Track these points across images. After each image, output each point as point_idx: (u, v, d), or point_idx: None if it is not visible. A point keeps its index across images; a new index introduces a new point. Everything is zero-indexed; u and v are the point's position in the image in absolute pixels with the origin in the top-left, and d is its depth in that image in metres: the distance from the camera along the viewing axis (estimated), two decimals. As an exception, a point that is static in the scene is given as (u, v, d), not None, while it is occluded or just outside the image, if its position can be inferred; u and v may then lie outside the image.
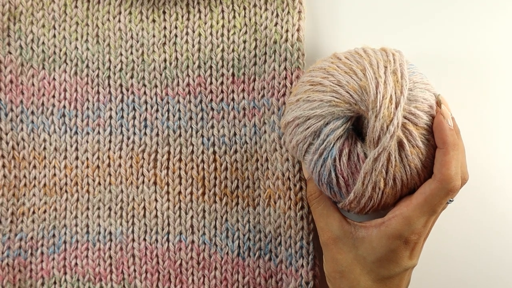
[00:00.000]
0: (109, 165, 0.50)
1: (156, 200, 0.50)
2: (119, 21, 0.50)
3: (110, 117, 0.50)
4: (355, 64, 0.41)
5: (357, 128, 0.42)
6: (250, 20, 0.50)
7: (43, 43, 0.50)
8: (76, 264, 0.50)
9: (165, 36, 0.50)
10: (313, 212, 0.46)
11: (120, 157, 0.50)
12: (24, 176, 0.50)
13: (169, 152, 0.50)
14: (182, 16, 0.50)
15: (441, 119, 0.41)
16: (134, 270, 0.50)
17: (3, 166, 0.50)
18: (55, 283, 0.50)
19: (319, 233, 0.45)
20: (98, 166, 0.50)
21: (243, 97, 0.50)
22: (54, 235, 0.50)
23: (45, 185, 0.50)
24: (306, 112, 0.41)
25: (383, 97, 0.39)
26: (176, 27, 0.50)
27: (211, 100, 0.50)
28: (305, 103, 0.42)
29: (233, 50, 0.50)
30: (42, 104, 0.50)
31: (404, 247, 0.41)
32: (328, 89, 0.41)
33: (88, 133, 0.50)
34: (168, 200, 0.50)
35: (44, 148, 0.50)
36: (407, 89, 0.40)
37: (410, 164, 0.40)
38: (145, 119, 0.50)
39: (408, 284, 0.44)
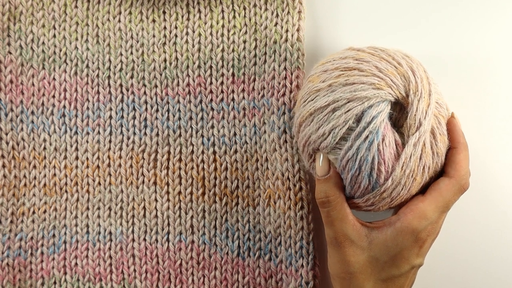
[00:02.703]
0: (109, 165, 0.50)
1: (156, 200, 0.50)
2: (119, 21, 0.50)
3: (110, 117, 0.50)
4: (383, 55, 0.42)
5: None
6: (250, 20, 0.50)
7: (43, 43, 0.50)
8: (76, 264, 0.50)
9: (165, 36, 0.50)
10: (327, 216, 0.43)
11: (120, 157, 0.50)
12: (24, 176, 0.50)
13: (169, 152, 0.50)
14: (182, 16, 0.50)
15: (456, 121, 0.44)
16: (134, 270, 0.50)
17: (3, 166, 0.50)
18: (55, 283, 0.50)
19: (331, 235, 0.43)
20: (98, 166, 0.50)
21: (243, 97, 0.50)
22: (54, 235, 0.50)
23: (45, 185, 0.50)
24: (346, 94, 0.40)
25: (421, 82, 0.40)
26: (176, 27, 0.50)
27: (211, 100, 0.50)
28: (342, 86, 0.41)
29: (233, 50, 0.50)
30: (42, 104, 0.50)
31: (414, 243, 0.41)
32: (368, 73, 0.40)
33: (88, 133, 0.50)
34: (168, 200, 0.50)
35: (44, 148, 0.50)
36: (432, 81, 0.42)
37: (438, 151, 0.41)
38: (145, 119, 0.50)
39: (412, 284, 0.44)
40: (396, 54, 0.42)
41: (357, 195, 0.42)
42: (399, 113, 0.42)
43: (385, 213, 0.50)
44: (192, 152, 0.50)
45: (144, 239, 0.50)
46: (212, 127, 0.50)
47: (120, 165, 0.50)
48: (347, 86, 0.40)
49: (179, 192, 0.50)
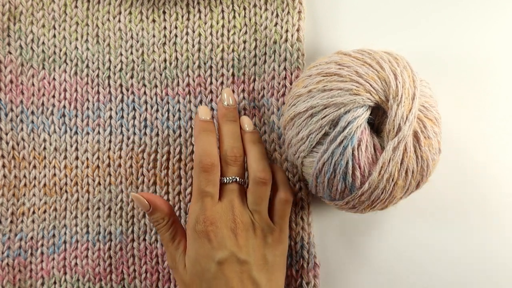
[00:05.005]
0: (109, 165, 0.50)
1: (156, 200, 0.50)
2: (119, 21, 0.50)
3: (110, 117, 0.50)
4: (368, 59, 0.42)
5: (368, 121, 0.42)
6: (250, 20, 0.50)
7: (43, 43, 0.50)
8: (76, 264, 0.50)
9: (165, 36, 0.50)
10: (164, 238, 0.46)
11: (120, 157, 0.50)
12: (24, 176, 0.50)
13: (169, 152, 0.50)
14: (182, 16, 0.50)
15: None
16: (134, 270, 0.50)
17: (3, 166, 0.50)
18: (55, 283, 0.50)
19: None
20: (98, 166, 0.50)
21: (243, 97, 0.50)
22: (54, 235, 0.50)
23: (45, 185, 0.50)
24: (323, 101, 0.41)
25: (402, 87, 0.40)
26: (176, 27, 0.50)
27: (211, 100, 0.50)
28: (320, 92, 0.41)
29: (233, 50, 0.50)
30: (42, 104, 0.50)
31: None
32: (346, 78, 0.41)
33: (88, 133, 0.50)
34: (168, 200, 0.50)
35: (44, 148, 0.50)
36: (419, 83, 0.41)
37: (423, 155, 0.41)
38: (145, 119, 0.50)
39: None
40: (383, 58, 0.42)
41: (338, 198, 0.42)
42: (382, 117, 0.42)
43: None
44: (192, 152, 0.50)
45: (144, 239, 0.50)
46: (212, 127, 0.50)
47: (120, 165, 0.50)
48: (325, 92, 0.41)
49: (179, 192, 0.50)
